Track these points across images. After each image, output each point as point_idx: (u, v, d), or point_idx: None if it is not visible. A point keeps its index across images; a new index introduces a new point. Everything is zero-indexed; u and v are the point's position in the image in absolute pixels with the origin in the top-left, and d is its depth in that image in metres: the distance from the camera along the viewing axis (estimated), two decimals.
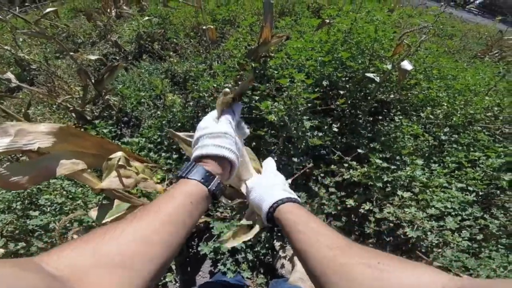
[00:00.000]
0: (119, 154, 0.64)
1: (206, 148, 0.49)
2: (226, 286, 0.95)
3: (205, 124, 0.53)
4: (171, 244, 0.36)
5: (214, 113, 0.55)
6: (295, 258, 1.24)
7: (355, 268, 0.33)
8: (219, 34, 2.66)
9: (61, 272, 0.27)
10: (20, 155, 1.58)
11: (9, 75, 1.89)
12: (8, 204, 1.34)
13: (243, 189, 0.64)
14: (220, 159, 0.50)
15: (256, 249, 1.34)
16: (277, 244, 1.35)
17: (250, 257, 1.30)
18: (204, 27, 1.97)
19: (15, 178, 0.52)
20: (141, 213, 0.37)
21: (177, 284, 1.30)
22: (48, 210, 1.30)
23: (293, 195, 0.55)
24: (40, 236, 1.22)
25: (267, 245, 1.34)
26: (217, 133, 0.50)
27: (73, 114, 1.91)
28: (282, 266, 1.26)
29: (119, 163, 0.63)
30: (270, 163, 0.71)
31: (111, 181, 0.63)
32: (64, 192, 1.35)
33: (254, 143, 1.58)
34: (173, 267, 1.32)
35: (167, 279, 1.28)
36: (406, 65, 1.32)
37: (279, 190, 0.54)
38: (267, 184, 0.58)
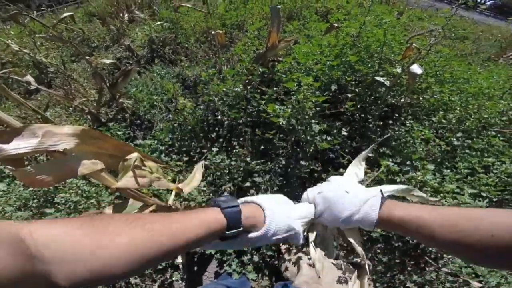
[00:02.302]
0: (135, 155, 0.67)
1: (262, 198, 0.49)
2: (228, 286, 0.96)
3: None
4: (150, 261, 0.35)
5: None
6: (301, 262, 1.25)
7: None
8: (228, 39, 2.70)
9: (40, 250, 0.26)
10: (39, 155, 1.64)
11: (29, 78, 1.97)
12: (24, 201, 1.39)
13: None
14: (261, 214, 0.46)
15: (262, 251, 1.35)
16: (283, 247, 1.36)
17: (256, 259, 1.31)
18: (213, 32, 2.01)
19: (41, 176, 0.55)
20: (149, 224, 0.36)
21: (183, 284, 1.32)
22: (63, 208, 1.34)
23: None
24: None
25: (273, 248, 1.35)
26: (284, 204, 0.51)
27: (89, 116, 1.97)
28: (287, 269, 1.27)
29: (135, 163, 0.66)
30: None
31: (127, 181, 0.65)
32: (79, 191, 1.39)
33: (262, 147, 1.60)
34: (180, 266, 1.33)
35: (173, 278, 1.29)
36: (416, 68, 1.31)
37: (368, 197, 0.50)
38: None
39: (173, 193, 0.93)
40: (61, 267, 0.28)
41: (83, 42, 3.41)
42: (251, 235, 0.45)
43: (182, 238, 0.37)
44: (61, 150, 0.55)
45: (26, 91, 2.71)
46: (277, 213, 0.47)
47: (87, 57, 2.08)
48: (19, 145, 0.52)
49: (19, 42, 3.31)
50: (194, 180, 1.01)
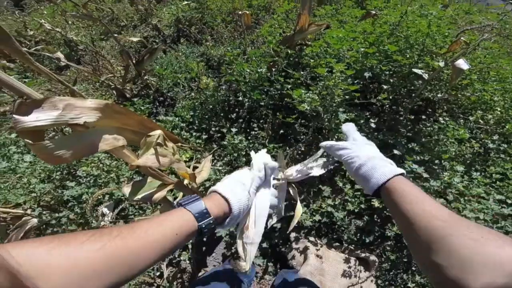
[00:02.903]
0: (158, 132, 0.65)
1: (222, 186, 0.53)
2: (230, 273, 0.97)
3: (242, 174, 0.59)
4: (140, 268, 0.38)
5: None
6: (308, 252, 1.23)
7: (459, 240, 0.34)
8: (254, 20, 2.63)
9: (25, 267, 0.27)
10: (65, 128, 1.70)
11: (59, 54, 2.05)
12: (48, 174, 1.44)
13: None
14: (225, 202, 0.51)
15: (270, 237, 1.34)
16: (292, 235, 1.34)
17: (264, 245, 1.31)
18: (239, 12, 1.95)
19: (59, 152, 0.54)
20: (126, 232, 0.38)
21: (190, 263, 1.34)
22: (84, 181, 1.38)
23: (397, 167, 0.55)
24: (72, 207, 1.28)
25: (282, 235, 1.34)
26: (240, 181, 0.56)
27: (114, 92, 2.02)
28: (293, 257, 1.26)
29: (158, 141, 0.64)
30: (352, 129, 0.68)
31: (147, 158, 0.65)
32: (100, 165, 1.43)
33: (282, 131, 1.56)
34: (189, 246, 1.35)
35: (181, 258, 1.31)
36: (462, 64, 1.19)
37: (387, 162, 0.55)
38: (374, 155, 0.57)
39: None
40: (46, 281, 0.28)
41: (112, 21, 3.46)
42: (226, 221, 0.51)
43: (157, 246, 0.40)
44: (82, 123, 0.54)
45: (57, 67, 2.81)
46: (238, 194, 0.53)
47: (115, 35, 2.10)
48: (38, 117, 0.50)
49: (52, 21, 3.41)
50: (203, 171, 1.02)
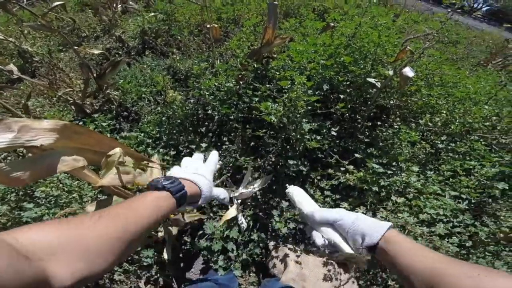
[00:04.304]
0: (118, 150, 0.64)
1: (191, 175, 0.61)
2: (216, 283, 0.97)
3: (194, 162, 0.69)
4: (130, 242, 0.41)
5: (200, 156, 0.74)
6: (288, 259, 1.26)
7: (460, 279, 0.39)
8: (223, 33, 2.67)
9: (30, 249, 0.29)
10: (22, 151, 1.58)
11: (11, 66, 1.90)
12: (2, 195, 1.33)
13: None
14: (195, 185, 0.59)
15: (249, 248, 1.35)
16: (270, 244, 1.36)
17: (244, 256, 1.31)
18: (208, 25, 1.98)
19: (16, 174, 0.52)
20: (114, 210, 0.42)
21: (170, 280, 1.31)
22: (43, 202, 1.29)
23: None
24: None
25: (260, 245, 1.36)
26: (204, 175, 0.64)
27: (73, 107, 1.91)
28: (274, 266, 1.28)
29: (119, 159, 0.64)
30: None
31: (112, 178, 0.63)
32: (60, 185, 1.35)
33: (252, 143, 1.59)
34: (166, 262, 1.32)
35: (159, 275, 1.28)
36: (408, 71, 1.32)
37: (379, 221, 0.56)
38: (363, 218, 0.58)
39: None
40: (56, 260, 0.30)
41: (72, 32, 3.30)
42: (200, 202, 0.60)
43: (143, 221, 0.44)
44: (38, 146, 0.53)
45: (8, 80, 2.61)
46: (207, 183, 0.61)
47: (75, 47, 2.01)
48: None
49: (5, 31, 3.18)
50: None
